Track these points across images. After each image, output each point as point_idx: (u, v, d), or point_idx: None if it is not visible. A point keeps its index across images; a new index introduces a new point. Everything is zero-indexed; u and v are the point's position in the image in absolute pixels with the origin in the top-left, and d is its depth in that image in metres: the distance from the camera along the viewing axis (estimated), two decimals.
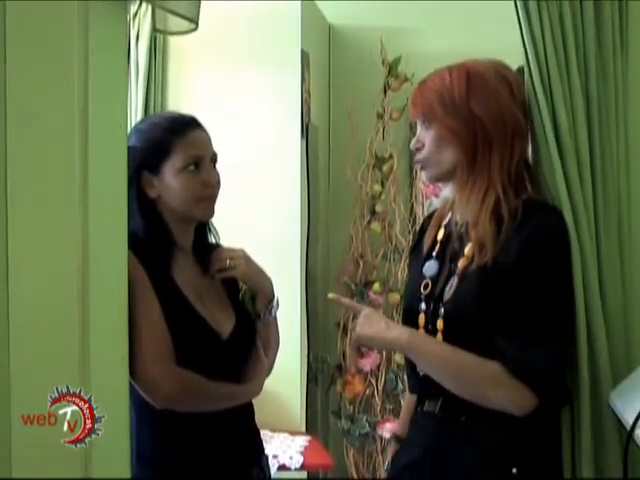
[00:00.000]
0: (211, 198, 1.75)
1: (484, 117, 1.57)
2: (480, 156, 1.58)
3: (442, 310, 1.59)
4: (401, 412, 1.95)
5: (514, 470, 1.52)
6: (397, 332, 1.58)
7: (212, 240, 1.88)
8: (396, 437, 1.87)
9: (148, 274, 1.64)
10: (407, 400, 1.90)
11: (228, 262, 1.81)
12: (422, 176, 1.69)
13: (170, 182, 1.70)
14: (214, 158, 1.77)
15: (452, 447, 1.58)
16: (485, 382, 1.51)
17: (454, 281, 1.59)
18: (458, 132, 1.58)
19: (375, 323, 1.59)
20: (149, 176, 1.71)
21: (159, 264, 1.69)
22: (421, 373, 1.63)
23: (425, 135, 1.63)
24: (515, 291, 1.50)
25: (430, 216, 1.84)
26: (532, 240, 1.51)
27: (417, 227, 3.22)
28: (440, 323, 1.59)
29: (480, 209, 1.57)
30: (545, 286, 1.51)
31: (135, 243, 1.60)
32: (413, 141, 1.66)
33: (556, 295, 1.53)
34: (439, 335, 1.59)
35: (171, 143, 1.70)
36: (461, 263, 1.59)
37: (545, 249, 1.53)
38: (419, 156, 1.66)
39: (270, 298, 1.87)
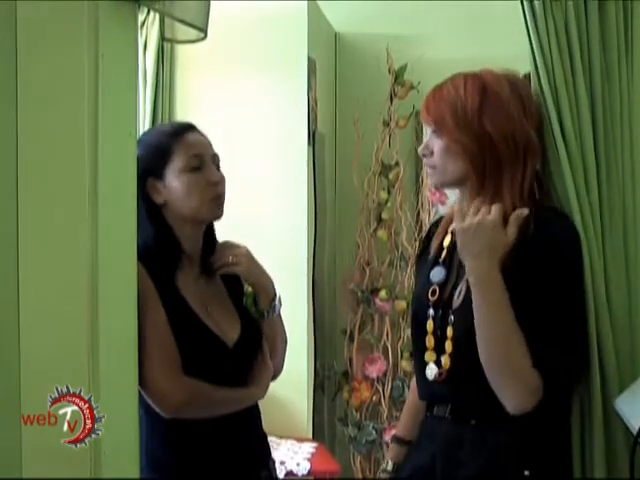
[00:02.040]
0: (217, 197, 1.75)
1: (494, 134, 1.56)
2: (489, 171, 1.58)
3: (451, 317, 1.60)
4: (402, 413, 1.94)
5: (526, 472, 1.52)
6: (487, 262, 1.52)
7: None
8: (397, 438, 1.86)
9: (154, 284, 1.65)
10: (409, 402, 1.90)
11: (231, 258, 1.82)
12: (429, 181, 1.69)
13: (174, 184, 1.71)
14: (216, 159, 1.78)
15: (462, 451, 1.58)
16: (517, 364, 1.49)
17: (462, 288, 1.60)
18: (467, 146, 1.57)
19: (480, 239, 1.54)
20: (154, 182, 1.72)
21: (165, 273, 1.70)
22: (430, 378, 1.63)
23: (434, 143, 1.63)
24: (537, 298, 1.51)
25: (436, 223, 1.84)
26: (555, 250, 1.53)
27: (423, 234, 3.24)
28: (450, 330, 1.59)
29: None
30: (566, 292, 1.54)
31: (142, 253, 1.61)
32: (421, 146, 1.66)
33: (574, 298, 1.55)
34: (448, 342, 1.59)
35: (170, 146, 1.72)
36: None
37: (563, 258, 1.54)
38: (427, 162, 1.66)
39: (272, 296, 1.87)
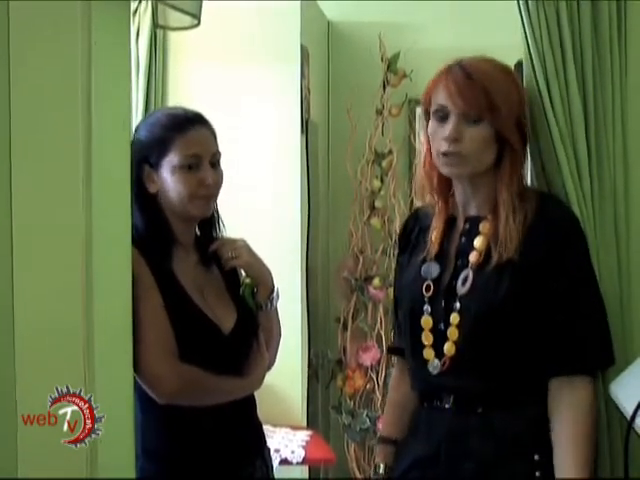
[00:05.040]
0: (207, 197, 1.75)
1: (526, 124, 1.61)
2: (510, 156, 1.59)
3: (457, 304, 1.59)
4: (386, 412, 1.91)
5: (536, 457, 1.53)
6: None
7: (218, 234, 1.88)
8: (384, 439, 1.82)
9: (151, 270, 1.66)
10: (393, 401, 1.86)
11: (231, 252, 1.82)
12: (444, 170, 1.62)
13: (167, 178, 1.71)
14: (216, 157, 1.76)
15: (469, 440, 1.58)
16: (592, 415, 1.55)
17: (468, 275, 1.60)
18: (513, 136, 1.57)
19: None
20: (150, 171, 1.72)
21: (160, 259, 1.70)
22: (434, 372, 1.62)
23: (467, 131, 1.56)
24: (554, 286, 1.54)
25: (413, 217, 1.83)
26: (560, 234, 1.56)
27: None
28: (455, 317, 1.59)
29: (505, 205, 1.58)
30: (583, 277, 1.57)
31: (138, 238, 1.61)
32: (451, 131, 1.55)
33: (592, 280, 1.58)
34: (452, 329, 1.59)
35: (170, 140, 1.71)
36: (474, 257, 1.59)
37: (575, 241, 1.58)
38: (454, 149, 1.57)
39: (271, 289, 1.87)
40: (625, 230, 1.65)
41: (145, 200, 1.72)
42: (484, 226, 1.61)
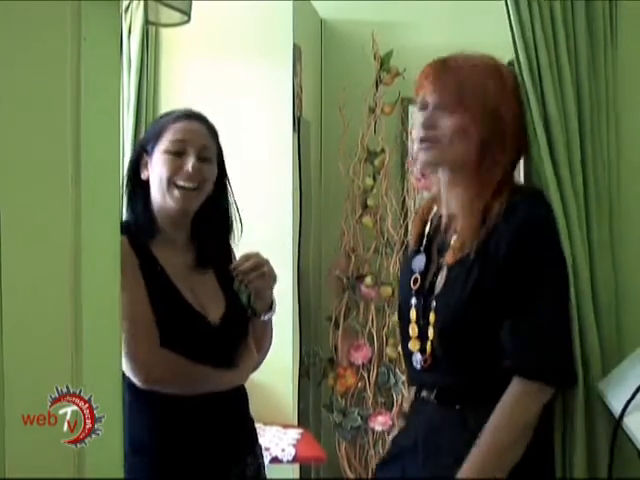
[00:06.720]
0: (185, 187, 1.76)
1: (508, 122, 1.58)
2: (490, 156, 1.57)
3: (433, 303, 1.60)
4: None
5: None
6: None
7: (236, 230, 1.93)
8: None
9: (139, 260, 1.70)
10: None
11: (249, 276, 1.83)
12: (420, 157, 1.63)
13: (155, 163, 1.78)
14: (206, 152, 1.80)
15: (444, 436, 1.59)
16: (523, 414, 1.52)
17: (443, 274, 1.61)
18: (484, 131, 1.56)
19: None
20: (145, 158, 1.80)
21: (145, 249, 1.74)
22: (417, 366, 1.64)
23: (442, 120, 1.58)
24: (513, 286, 1.52)
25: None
26: (522, 234, 1.53)
27: (409, 221, 3.25)
28: (432, 316, 1.60)
29: (473, 203, 1.57)
30: (544, 279, 1.54)
31: (126, 227, 1.64)
32: (426, 117, 1.59)
33: (555, 284, 1.55)
34: (430, 329, 1.60)
35: (163, 127, 1.79)
36: (448, 256, 1.60)
37: (537, 242, 1.55)
38: (428, 135, 1.59)
39: (270, 303, 1.90)
40: (618, 231, 1.65)
41: (137, 186, 1.80)
42: (457, 224, 1.61)
